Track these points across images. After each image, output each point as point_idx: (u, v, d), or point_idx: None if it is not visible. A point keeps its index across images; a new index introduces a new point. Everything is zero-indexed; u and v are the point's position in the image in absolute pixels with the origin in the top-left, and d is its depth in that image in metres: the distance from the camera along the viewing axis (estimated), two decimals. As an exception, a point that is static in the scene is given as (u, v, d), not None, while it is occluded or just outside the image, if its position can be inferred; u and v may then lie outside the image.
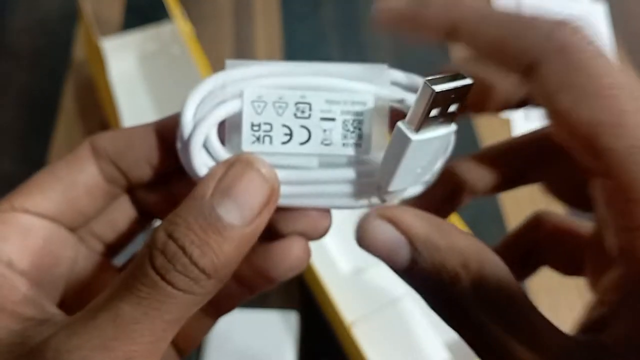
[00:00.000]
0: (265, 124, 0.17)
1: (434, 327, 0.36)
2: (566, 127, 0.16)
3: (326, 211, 0.19)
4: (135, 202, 0.20)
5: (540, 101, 0.17)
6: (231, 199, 0.15)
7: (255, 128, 0.17)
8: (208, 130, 0.17)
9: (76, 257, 0.20)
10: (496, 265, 0.16)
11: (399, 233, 0.16)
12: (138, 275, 0.15)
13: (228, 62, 0.17)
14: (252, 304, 0.39)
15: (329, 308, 0.36)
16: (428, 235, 0.16)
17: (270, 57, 0.54)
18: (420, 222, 0.16)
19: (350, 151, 0.18)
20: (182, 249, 0.15)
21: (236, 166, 0.16)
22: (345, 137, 0.18)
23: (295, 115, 0.17)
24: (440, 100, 0.15)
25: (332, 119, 0.17)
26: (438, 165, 0.19)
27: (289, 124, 0.17)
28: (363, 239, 0.17)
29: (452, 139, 0.18)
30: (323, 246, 0.39)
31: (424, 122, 0.16)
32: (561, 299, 0.39)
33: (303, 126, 0.17)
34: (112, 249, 0.21)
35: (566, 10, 0.58)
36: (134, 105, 0.48)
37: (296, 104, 0.17)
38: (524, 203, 0.44)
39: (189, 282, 0.15)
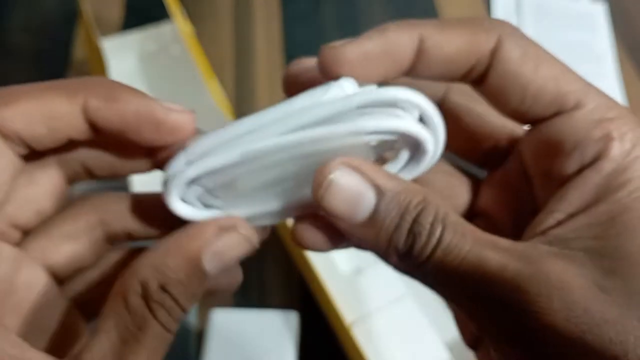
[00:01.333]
0: (241, 174, 0.18)
1: (434, 327, 0.36)
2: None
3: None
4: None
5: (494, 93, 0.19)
6: (220, 261, 0.18)
7: (229, 176, 0.18)
8: (197, 172, 0.18)
9: (29, 274, 0.19)
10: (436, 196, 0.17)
11: (364, 180, 0.17)
12: (145, 328, 0.17)
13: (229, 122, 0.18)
14: (252, 304, 0.39)
15: (329, 308, 0.36)
16: (389, 180, 0.17)
17: (270, 56, 0.54)
18: (379, 170, 0.17)
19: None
20: (176, 302, 0.17)
21: (230, 234, 0.18)
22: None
23: (266, 167, 0.18)
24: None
25: (307, 165, 0.18)
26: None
27: (263, 176, 0.18)
28: (329, 191, 0.17)
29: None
30: (323, 246, 0.39)
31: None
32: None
33: (276, 177, 0.18)
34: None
35: (566, 10, 0.58)
36: (134, 105, 0.48)
37: (269, 157, 0.17)
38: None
39: (177, 325, 0.18)
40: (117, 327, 0.17)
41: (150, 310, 0.17)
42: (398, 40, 0.18)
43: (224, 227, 0.18)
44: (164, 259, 0.17)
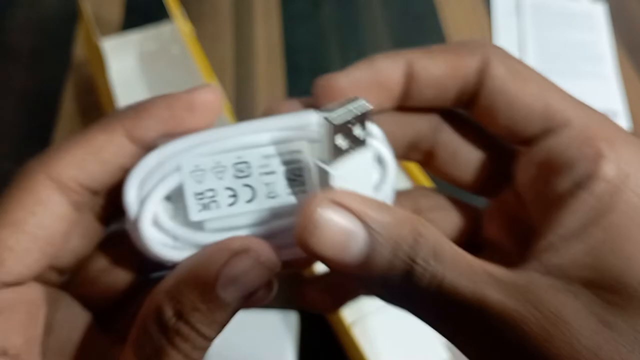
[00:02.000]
0: (208, 190, 0.17)
1: (434, 327, 0.36)
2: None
3: (269, 288, 0.19)
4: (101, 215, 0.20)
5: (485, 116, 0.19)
6: (237, 288, 0.16)
7: (199, 197, 0.17)
8: (154, 207, 0.17)
9: (63, 313, 0.19)
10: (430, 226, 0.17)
11: (353, 219, 0.16)
12: (163, 357, 0.16)
13: (159, 140, 0.18)
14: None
15: (329, 308, 0.36)
16: (379, 212, 0.16)
17: (270, 57, 0.54)
18: (366, 202, 0.16)
19: (299, 198, 0.18)
20: (195, 330, 0.16)
21: (242, 258, 0.16)
22: (289, 186, 0.18)
23: (235, 176, 0.18)
24: (342, 130, 0.16)
25: (273, 172, 0.18)
26: (387, 189, 0.19)
27: (232, 185, 0.18)
28: (314, 235, 0.16)
29: (387, 159, 0.19)
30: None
31: (336, 154, 0.16)
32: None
33: (246, 184, 0.18)
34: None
35: (566, 10, 0.58)
36: (134, 105, 0.48)
37: (234, 164, 0.18)
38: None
39: (203, 352, 0.17)
40: (138, 356, 0.16)
41: (167, 338, 0.16)
42: (386, 67, 0.19)
43: (237, 251, 0.16)
44: (177, 286, 0.16)
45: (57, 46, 0.54)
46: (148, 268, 0.20)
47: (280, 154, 0.18)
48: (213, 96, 0.18)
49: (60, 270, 0.19)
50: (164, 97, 0.18)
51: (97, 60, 0.44)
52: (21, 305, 0.17)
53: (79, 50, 0.54)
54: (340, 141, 0.16)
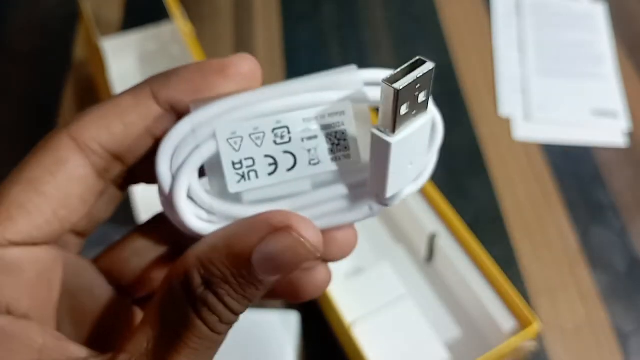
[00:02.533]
0: (247, 159, 0.16)
1: (434, 327, 0.36)
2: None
3: (351, 229, 0.18)
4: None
5: None
6: (272, 266, 0.15)
7: (237, 166, 0.16)
8: (189, 180, 0.16)
9: (83, 280, 0.18)
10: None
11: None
12: (188, 326, 0.15)
13: (191, 105, 0.16)
14: (252, 304, 0.39)
15: (329, 308, 0.36)
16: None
17: (270, 57, 0.54)
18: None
19: (341, 164, 0.17)
20: (223, 302, 0.15)
21: (282, 236, 0.15)
22: (332, 151, 0.17)
23: (275, 142, 0.16)
24: (406, 95, 0.15)
25: (315, 137, 0.16)
26: (433, 152, 0.18)
27: (271, 152, 0.16)
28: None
29: (438, 122, 0.18)
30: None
31: (397, 121, 0.15)
32: (561, 299, 0.39)
33: (286, 151, 0.16)
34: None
35: (566, 10, 0.58)
36: (134, 105, 0.48)
37: (273, 130, 0.16)
38: (524, 203, 0.44)
39: (228, 327, 0.16)
40: (161, 320, 0.16)
41: (194, 307, 0.15)
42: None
43: (277, 227, 0.15)
44: (209, 254, 0.15)
45: (57, 46, 0.54)
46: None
47: (322, 117, 0.16)
48: (249, 63, 0.17)
49: (78, 234, 0.19)
50: (197, 63, 0.17)
51: (97, 60, 0.44)
52: (30, 265, 0.16)
53: (79, 50, 0.54)
54: (403, 107, 0.15)
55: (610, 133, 0.48)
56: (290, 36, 0.55)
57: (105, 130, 0.17)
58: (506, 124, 0.49)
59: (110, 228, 0.24)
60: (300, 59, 0.54)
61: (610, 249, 0.42)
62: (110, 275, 0.19)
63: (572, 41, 0.55)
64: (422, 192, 0.40)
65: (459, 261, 0.37)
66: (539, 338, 0.34)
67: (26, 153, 0.17)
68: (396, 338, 0.35)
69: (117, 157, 0.17)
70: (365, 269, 0.39)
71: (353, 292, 0.37)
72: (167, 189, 0.16)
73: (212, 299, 0.15)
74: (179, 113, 0.17)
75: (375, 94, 0.17)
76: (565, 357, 0.37)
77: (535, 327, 0.33)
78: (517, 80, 0.52)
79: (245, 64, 0.17)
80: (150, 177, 0.17)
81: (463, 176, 0.45)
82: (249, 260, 0.15)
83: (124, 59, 0.51)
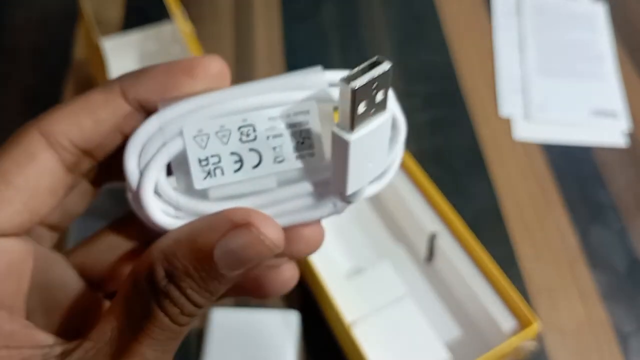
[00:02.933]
0: (213, 156, 0.17)
1: (434, 327, 0.36)
2: None
3: (318, 226, 0.19)
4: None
5: None
6: (233, 262, 0.16)
7: (204, 163, 0.16)
8: (156, 176, 0.16)
9: (54, 273, 0.19)
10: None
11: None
12: (150, 317, 0.16)
13: (160, 103, 0.17)
14: (252, 304, 0.39)
15: (329, 308, 0.36)
16: None
17: (270, 57, 0.54)
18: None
19: (306, 162, 0.17)
20: (185, 295, 0.16)
21: (242, 233, 0.16)
22: (297, 149, 0.17)
23: (241, 140, 0.17)
24: (363, 94, 0.15)
25: (280, 135, 0.17)
26: (396, 151, 0.19)
27: (237, 150, 0.17)
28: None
29: (399, 121, 0.18)
30: (323, 246, 0.39)
31: (355, 119, 0.15)
32: (561, 299, 0.39)
33: (252, 149, 0.17)
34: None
35: (566, 10, 0.58)
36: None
37: (239, 128, 0.17)
38: (524, 203, 0.44)
39: (190, 319, 0.16)
40: (125, 311, 0.16)
41: (157, 300, 0.16)
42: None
43: (238, 223, 0.16)
44: (173, 248, 0.16)
45: (57, 46, 0.54)
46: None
47: (287, 116, 0.17)
48: (217, 64, 0.18)
49: (51, 227, 0.19)
50: (166, 63, 0.17)
51: (97, 60, 0.44)
52: (0, 255, 0.17)
53: (79, 50, 0.54)
54: (360, 106, 0.15)
55: (610, 133, 0.48)
56: (290, 36, 0.56)
57: (75, 127, 0.17)
58: (506, 124, 0.49)
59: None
60: (300, 59, 0.54)
61: (610, 249, 0.42)
62: (83, 270, 0.20)
63: (572, 41, 0.55)
64: (422, 192, 0.40)
65: (459, 261, 0.37)
66: (539, 338, 0.34)
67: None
68: (396, 338, 0.35)
69: (86, 152, 0.18)
70: (365, 269, 0.39)
71: (353, 292, 0.37)
72: (134, 185, 0.16)
73: (174, 291, 0.16)
74: (148, 111, 0.17)
75: (338, 94, 0.17)
76: (565, 357, 0.37)
77: (535, 327, 0.33)
78: (517, 80, 0.52)
79: (213, 65, 0.18)
80: (121, 173, 0.17)
81: (463, 176, 0.45)
82: (211, 255, 0.15)
83: (124, 59, 0.51)
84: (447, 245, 0.37)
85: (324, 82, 0.17)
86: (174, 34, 0.51)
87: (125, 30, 0.53)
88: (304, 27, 0.56)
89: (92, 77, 0.51)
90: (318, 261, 0.37)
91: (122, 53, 0.50)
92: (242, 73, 0.52)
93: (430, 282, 0.39)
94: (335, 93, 0.17)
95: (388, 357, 0.35)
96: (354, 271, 0.39)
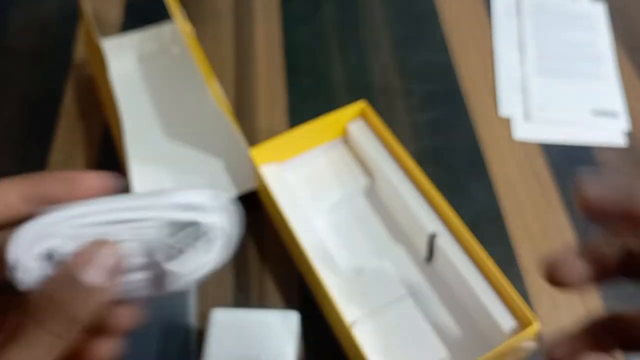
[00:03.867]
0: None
1: (433, 327, 0.36)
2: None
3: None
4: None
5: None
6: (91, 263, 0.20)
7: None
8: (28, 264, 0.20)
9: None
10: None
11: None
12: (21, 326, 0.19)
13: (41, 210, 0.21)
14: (252, 304, 0.39)
15: (329, 308, 0.36)
16: None
17: (270, 57, 0.54)
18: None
19: (155, 259, 0.22)
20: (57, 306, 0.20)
21: (92, 245, 0.20)
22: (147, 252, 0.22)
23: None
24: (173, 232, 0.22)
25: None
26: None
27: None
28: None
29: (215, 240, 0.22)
30: (323, 246, 0.39)
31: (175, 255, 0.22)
32: (561, 299, 0.39)
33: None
34: None
35: (566, 10, 0.58)
36: (134, 105, 0.48)
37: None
38: (524, 203, 0.44)
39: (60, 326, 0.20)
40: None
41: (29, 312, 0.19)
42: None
43: (90, 244, 0.20)
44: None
45: (57, 46, 0.54)
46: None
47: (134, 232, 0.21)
48: (98, 182, 0.22)
49: None
50: (57, 173, 0.22)
51: (97, 60, 0.44)
52: None
53: (79, 50, 0.54)
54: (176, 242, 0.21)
55: (610, 133, 0.48)
56: (290, 36, 0.56)
57: None
58: (506, 124, 0.49)
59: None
60: (300, 59, 0.54)
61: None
62: None
63: (572, 41, 0.56)
64: (422, 192, 0.40)
65: (459, 261, 0.37)
66: (538, 338, 0.34)
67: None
68: (396, 338, 0.35)
69: None
70: (365, 269, 0.39)
71: (353, 292, 0.37)
72: (12, 267, 0.21)
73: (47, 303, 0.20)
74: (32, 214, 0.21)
75: (184, 215, 0.22)
76: (565, 357, 0.37)
77: (535, 327, 0.33)
78: (517, 80, 0.52)
79: (94, 182, 0.22)
80: None
81: (463, 176, 0.45)
82: (75, 268, 0.20)
83: (124, 59, 0.51)
84: (447, 245, 0.37)
85: (172, 204, 0.21)
86: (174, 34, 0.51)
87: (125, 30, 0.53)
88: (304, 27, 0.56)
89: (92, 77, 0.51)
90: (318, 261, 0.37)
91: (122, 53, 0.50)
92: (242, 73, 0.53)
93: (430, 282, 0.39)
94: (178, 215, 0.21)
95: (388, 357, 0.35)
96: (354, 271, 0.39)
